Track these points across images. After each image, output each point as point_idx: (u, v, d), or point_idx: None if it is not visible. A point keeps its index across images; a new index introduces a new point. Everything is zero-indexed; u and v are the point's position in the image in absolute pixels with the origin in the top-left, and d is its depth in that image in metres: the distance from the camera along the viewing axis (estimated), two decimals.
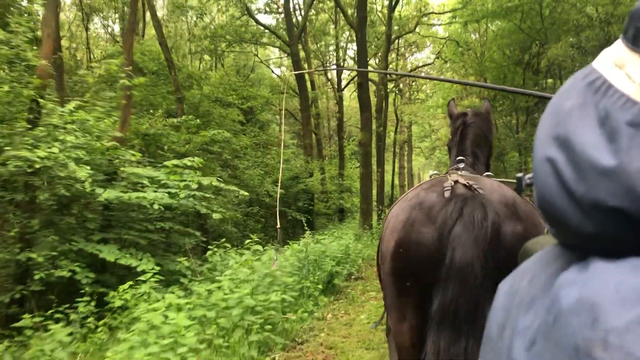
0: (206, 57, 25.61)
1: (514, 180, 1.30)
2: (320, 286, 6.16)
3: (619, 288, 0.35)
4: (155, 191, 5.54)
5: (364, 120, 13.92)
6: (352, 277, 8.19)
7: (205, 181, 6.13)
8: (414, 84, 34.91)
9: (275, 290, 4.99)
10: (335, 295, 6.65)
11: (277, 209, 3.87)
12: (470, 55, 22.15)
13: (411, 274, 1.66)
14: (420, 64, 24.07)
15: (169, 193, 6.10)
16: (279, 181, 4.33)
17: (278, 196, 3.94)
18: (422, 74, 36.22)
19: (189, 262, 5.83)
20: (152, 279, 4.74)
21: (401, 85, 30.59)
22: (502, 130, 23.66)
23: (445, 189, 1.68)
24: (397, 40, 23.82)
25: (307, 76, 18.96)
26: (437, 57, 22.42)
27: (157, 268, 5.09)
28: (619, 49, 0.42)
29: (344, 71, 23.59)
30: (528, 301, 0.44)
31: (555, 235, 0.47)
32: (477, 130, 2.46)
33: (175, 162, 5.95)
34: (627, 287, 0.35)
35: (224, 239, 6.74)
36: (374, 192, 18.65)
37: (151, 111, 10.38)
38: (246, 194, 7.73)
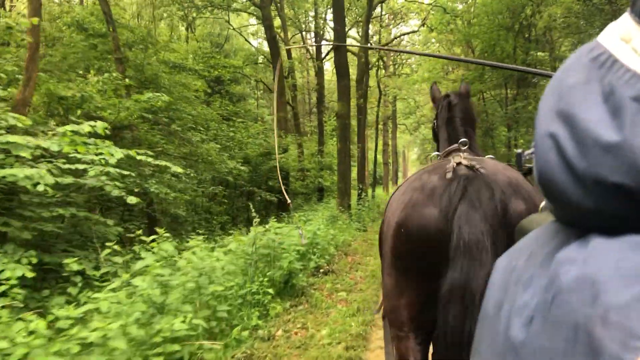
0: (181, 27, 23.69)
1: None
2: (271, 290, 4.73)
3: (619, 265, 0.35)
4: (34, 167, 4.00)
5: (342, 89, 12.38)
6: (320, 271, 6.79)
7: (117, 155, 4.59)
8: (398, 57, 33.23)
9: (204, 299, 3.56)
10: (294, 299, 5.24)
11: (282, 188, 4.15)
12: (457, 22, 20.60)
13: (412, 253, 1.64)
14: (405, 32, 22.37)
15: (69, 169, 4.55)
16: (277, 161, 4.23)
17: (279, 176, 4.26)
18: (407, 47, 34.60)
19: (92, 261, 4.35)
20: (16, 291, 3.25)
21: (385, 58, 28.95)
22: (490, 104, 22.39)
23: (447, 170, 1.66)
24: (379, 7, 22.10)
25: (281, 43, 17.23)
26: (423, 25, 20.76)
27: (30, 274, 3.58)
28: (625, 22, 0.41)
29: (324, 39, 21.86)
30: (526, 279, 0.44)
31: (555, 211, 0.47)
32: (464, 111, 2.42)
33: (72, 127, 4.38)
34: (627, 265, 0.35)
35: (163, 229, 5.17)
36: (355, 169, 17.19)
37: (82, 72, 8.79)
38: (180, 170, 6.19)
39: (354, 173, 17.23)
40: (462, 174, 1.62)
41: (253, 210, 6.58)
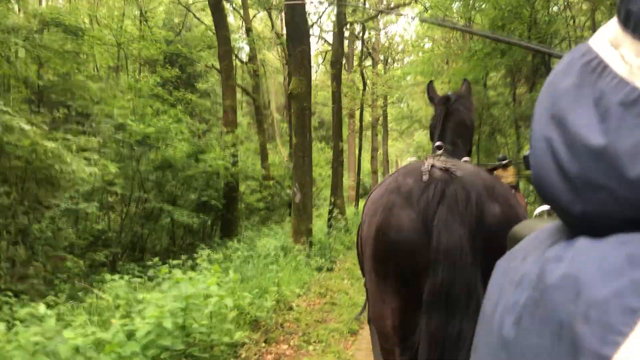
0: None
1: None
2: None
3: (601, 263, 0.36)
4: None
5: (297, 59, 8.38)
6: None
7: None
8: (390, 53, 29.45)
9: None
10: None
11: None
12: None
13: (392, 257, 1.61)
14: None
15: None
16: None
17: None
18: (399, 42, 30.87)
19: None
20: None
21: (372, 52, 25.09)
22: (496, 106, 18.57)
23: (423, 173, 1.64)
24: None
25: (226, 5, 13.24)
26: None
27: None
28: (614, 28, 0.42)
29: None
30: (518, 278, 0.45)
31: (554, 212, 0.47)
32: (459, 116, 2.31)
33: None
34: (608, 261, 0.36)
35: None
36: (334, 180, 13.10)
37: None
38: None
39: (329, 182, 13.15)
40: (438, 176, 1.60)
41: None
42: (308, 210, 8.39)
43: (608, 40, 0.42)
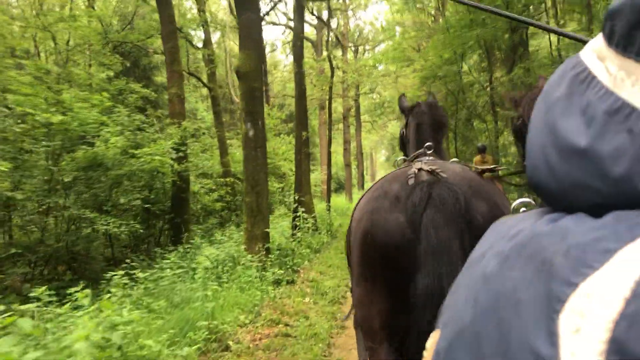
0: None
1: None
2: None
3: (590, 222, 0.40)
4: None
5: (243, 27, 6.96)
6: None
7: None
8: (361, 43, 28.18)
9: None
10: None
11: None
12: None
13: (380, 261, 1.61)
14: None
15: None
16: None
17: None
18: (370, 33, 29.60)
19: None
20: None
21: (340, 37, 23.80)
22: (472, 81, 17.59)
23: (409, 176, 1.67)
24: None
25: None
26: None
27: None
28: (600, 42, 0.46)
29: None
30: (512, 233, 0.48)
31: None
32: (433, 117, 2.41)
33: None
34: (597, 221, 0.40)
35: None
36: (297, 174, 11.72)
37: None
38: None
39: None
40: (424, 179, 1.62)
41: None
42: (263, 212, 7.00)
43: (595, 53, 0.46)
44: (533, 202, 1.05)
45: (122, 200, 6.69)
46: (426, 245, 1.45)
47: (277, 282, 6.31)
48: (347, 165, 23.82)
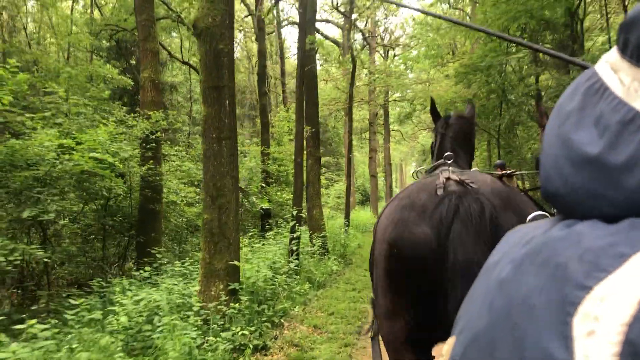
0: None
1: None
2: None
3: (605, 227, 0.40)
4: None
5: None
6: None
7: None
8: (390, 44, 25.85)
9: None
10: None
11: None
12: None
13: (406, 274, 1.57)
14: None
15: None
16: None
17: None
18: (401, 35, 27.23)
19: None
20: None
21: (369, 37, 21.58)
22: (515, 82, 15.01)
23: (438, 186, 1.62)
24: None
25: None
26: None
27: None
28: (614, 54, 0.46)
29: None
30: (526, 240, 0.48)
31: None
32: (461, 129, 2.39)
33: None
34: (611, 227, 0.40)
35: None
36: (296, 182, 9.37)
37: None
38: None
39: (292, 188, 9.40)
40: (453, 190, 1.57)
41: None
42: (228, 235, 4.67)
43: (609, 65, 0.46)
44: (549, 216, 0.81)
45: (25, 214, 4.59)
46: (453, 259, 1.42)
47: (239, 349, 3.97)
48: (373, 176, 21.36)
